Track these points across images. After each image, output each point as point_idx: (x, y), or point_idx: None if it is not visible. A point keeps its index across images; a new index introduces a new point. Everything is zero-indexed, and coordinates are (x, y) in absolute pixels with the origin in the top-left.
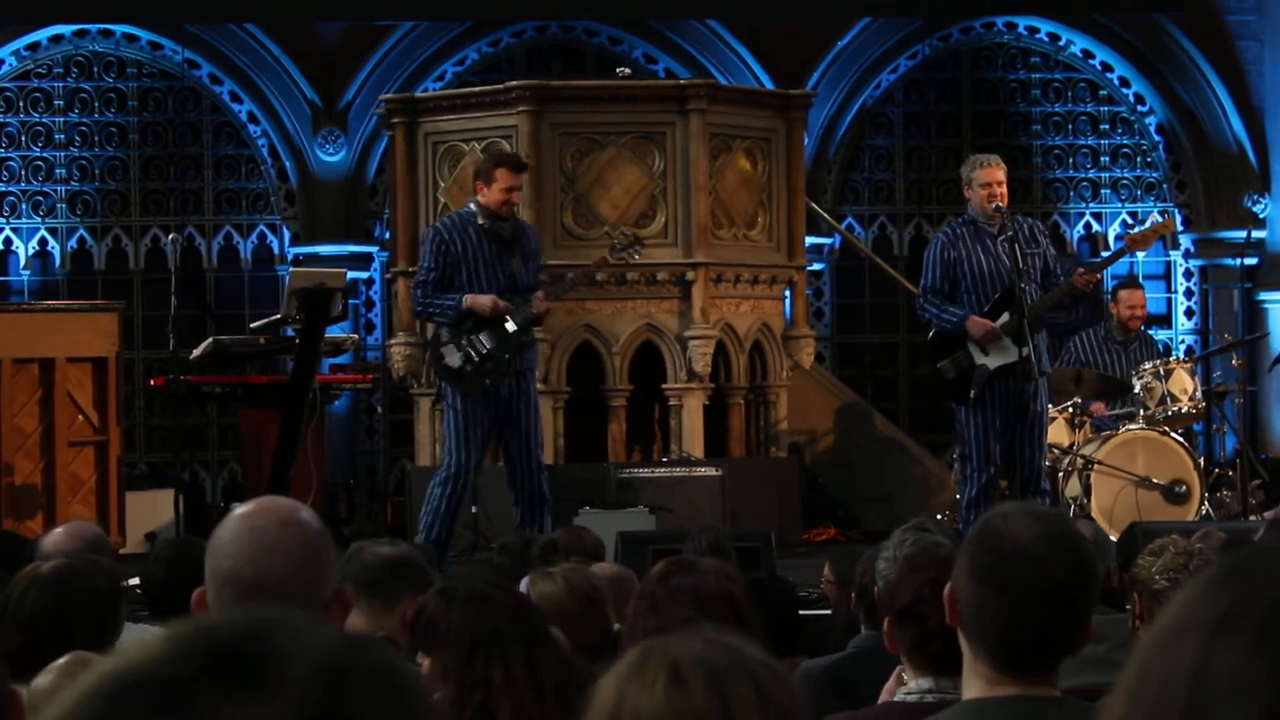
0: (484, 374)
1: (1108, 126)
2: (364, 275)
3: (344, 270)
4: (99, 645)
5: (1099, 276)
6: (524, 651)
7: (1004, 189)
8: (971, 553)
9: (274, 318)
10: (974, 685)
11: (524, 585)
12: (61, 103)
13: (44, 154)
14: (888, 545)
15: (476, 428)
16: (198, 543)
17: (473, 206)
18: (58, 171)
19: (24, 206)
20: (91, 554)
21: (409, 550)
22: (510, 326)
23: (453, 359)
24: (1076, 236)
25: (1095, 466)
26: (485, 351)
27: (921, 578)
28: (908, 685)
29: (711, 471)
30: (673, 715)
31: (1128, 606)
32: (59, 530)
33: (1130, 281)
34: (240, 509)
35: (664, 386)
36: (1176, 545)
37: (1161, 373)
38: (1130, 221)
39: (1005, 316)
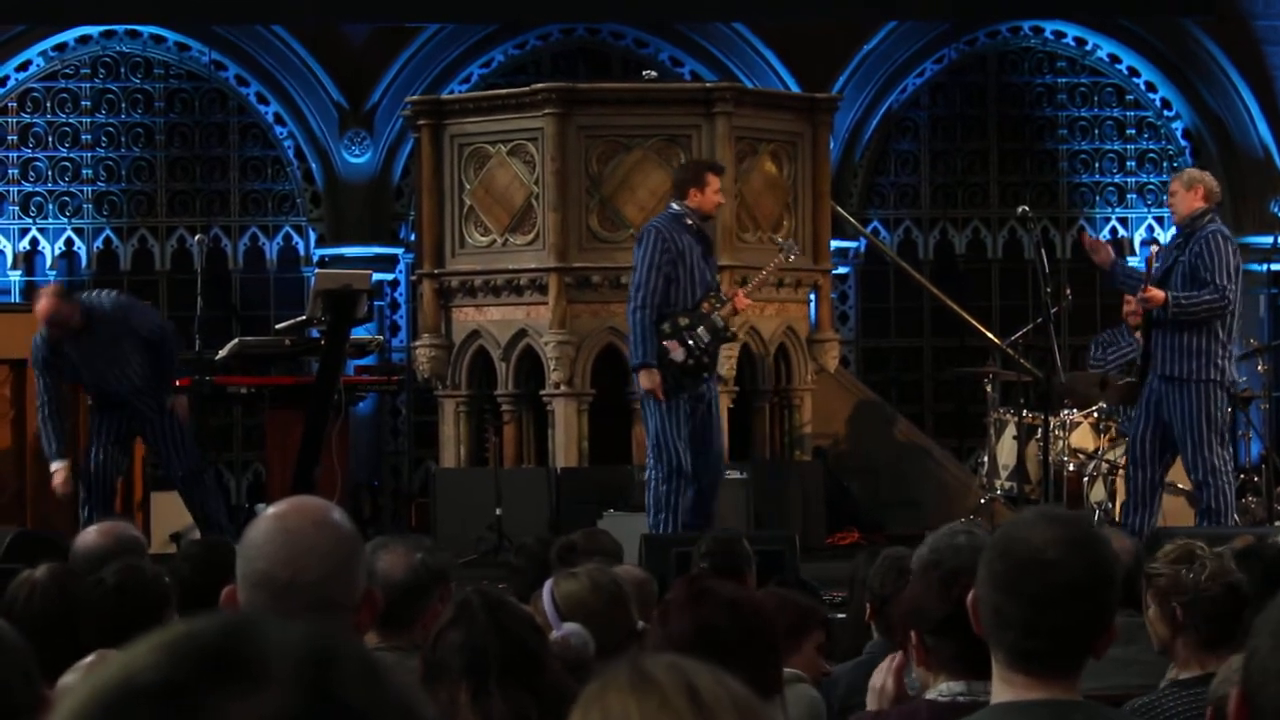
0: (702, 368)
1: (1134, 131)
2: (389, 277)
3: (369, 272)
4: (110, 645)
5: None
6: (504, 680)
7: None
8: (990, 560)
9: (299, 319)
10: (1002, 691)
11: (547, 587)
12: (89, 103)
13: (71, 154)
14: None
15: (685, 423)
16: (225, 541)
17: (676, 208)
18: (84, 172)
19: (51, 207)
20: (127, 554)
21: (424, 560)
22: (719, 322)
23: (677, 354)
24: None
25: (1120, 471)
26: (705, 345)
27: (955, 590)
28: (938, 687)
29: (736, 475)
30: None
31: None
32: (93, 530)
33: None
34: (272, 510)
35: None
36: (1189, 545)
37: None
38: (1156, 228)
39: None
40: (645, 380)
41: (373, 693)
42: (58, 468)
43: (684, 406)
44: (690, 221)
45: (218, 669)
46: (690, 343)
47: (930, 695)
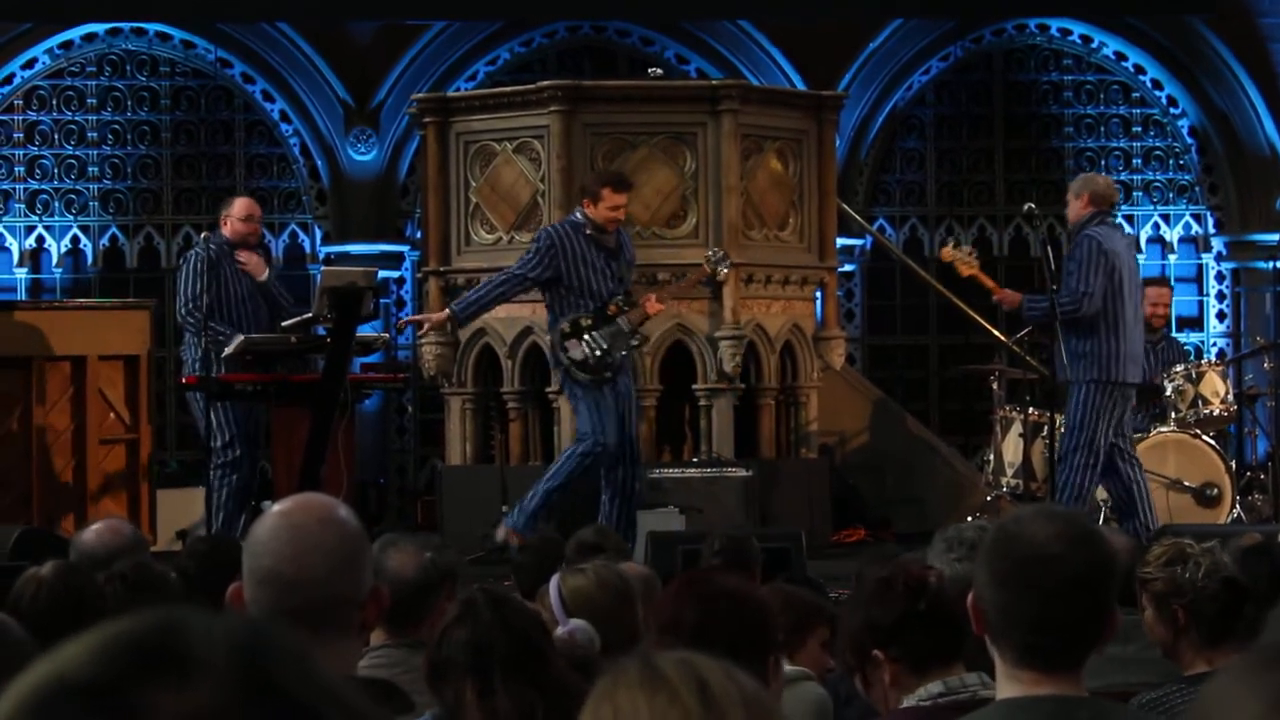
0: (603, 368)
1: (1140, 129)
2: (395, 274)
3: (375, 269)
4: None
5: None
6: (509, 677)
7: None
8: (991, 560)
9: (305, 316)
10: (1008, 687)
11: (554, 583)
12: (94, 101)
13: (76, 152)
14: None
15: (607, 410)
16: (231, 538)
17: (579, 217)
18: (90, 170)
19: (57, 205)
20: (128, 551)
21: (433, 558)
22: (624, 326)
23: (575, 352)
24: None
25: None
26: (604, 348)
27: (897, 588)
28: (916, 693)
29: (741, 472)
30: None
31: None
32: (96, 527)
33: (1158, 280)
34: (278, 506)
35: (694, 387)
36: (1178, 545)
37: (1193, 375)
38: (1161, 225)
39: None
40: (429, 314)
41: (307, 682)
42: (239, 338)
43: (609, 394)
44: (589, 231)
45: (149, 664)
46: (589, 343)
47: (910, 702)
